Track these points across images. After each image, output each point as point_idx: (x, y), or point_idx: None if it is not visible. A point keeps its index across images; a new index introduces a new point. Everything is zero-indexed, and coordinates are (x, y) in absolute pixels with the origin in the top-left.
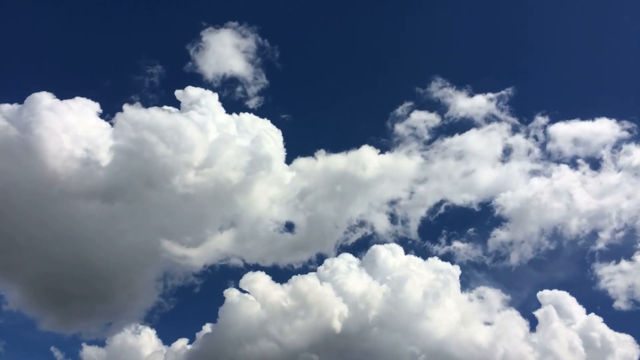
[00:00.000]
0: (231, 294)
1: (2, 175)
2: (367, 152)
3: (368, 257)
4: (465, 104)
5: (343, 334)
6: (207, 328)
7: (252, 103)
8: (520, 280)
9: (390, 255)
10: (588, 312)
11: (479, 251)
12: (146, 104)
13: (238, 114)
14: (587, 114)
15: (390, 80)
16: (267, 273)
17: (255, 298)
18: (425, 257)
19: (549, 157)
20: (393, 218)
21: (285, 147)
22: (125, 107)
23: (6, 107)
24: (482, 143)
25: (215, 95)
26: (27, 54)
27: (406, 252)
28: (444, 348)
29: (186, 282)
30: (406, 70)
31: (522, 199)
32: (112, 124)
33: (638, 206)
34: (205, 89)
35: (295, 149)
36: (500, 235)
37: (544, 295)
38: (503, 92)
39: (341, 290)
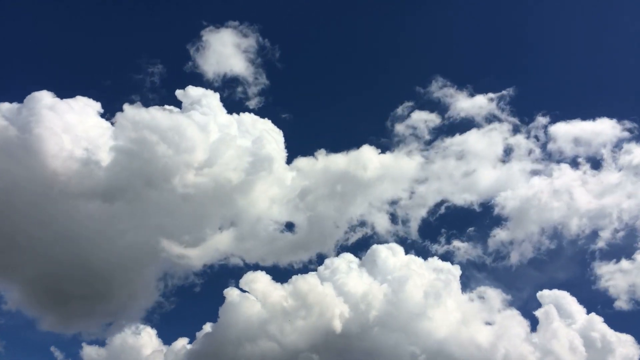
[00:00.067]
0: (231, 293)
1: (1, 175)
2: (367, 152)
3: (368, 257)
4: (466, 104)
5: (343, 333)
6: (208, 328)
7: (253, 103)
8: (520, 280)
9: (390, 255)
10: (589, 312)
11: (479, 250)
12: (146, 104)
13: (238, 114)
14: (588, 114)
15: (391, 80)
16: (267, 273)
17: (256, 298)
18: (425, 257)
19: (550, 157)
20: (393, 218)
21: (285, 146)
22: (126, 106)
23: (5, 106)
24: (482, 143)
25: (217, 95)
26: (28, 53)
27: (406, 252)
28: (444, 348)
29: (186, 282)
30: (407, 70)
31: (522, 198)
32: (112, 124)
33: (638, 205)
34: (206, 88)
35: (295, 148)
36: (500, 234)
37: (544, 295)
38: (504, 92)
39: (342, 290)
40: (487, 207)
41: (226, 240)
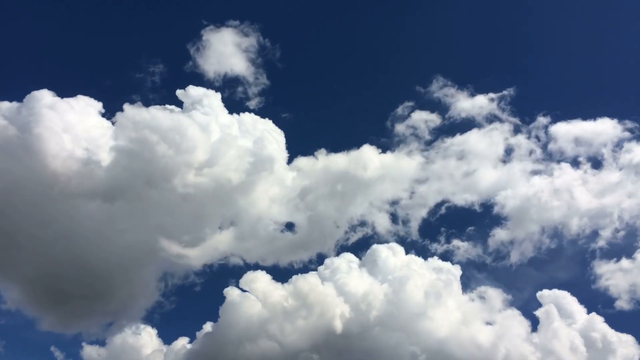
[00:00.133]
0: (231, 293)
1: (1, 175)
2: (367, 152)
3: (368, 257)
4: (467, 104)
5: (344, 333)
6: (208, 327)
7: (253, 103)
8: (521, 280)
9: (391, 255)
10: (589, 312)
11: (479, 250)
12: (147, 103)
13: (239, 113)
14: (589, 114)
15: (391, 80)
16: (267, 272)
17: (256, 297)
18: (426, 257)
19: (551, 157)
20: (394, 218)
21: (286, 147)
22: (126, 106)
23: (5, 105)
24: (483, 143)
25: (218, 95)
26: (28, 53)
27: (407, 252)
28: (445, 348)
29: (186, 282)
30: (407, 69)
31: (522, 197)
32: (113, 123)
33: (639, 205)
34: (207, 88)
35: (295, 148)
36: (500, 234)
37: (545, 295)
38: (505, 92)
39: (342, 290)
40: (487, 206)
41: (226, 240)
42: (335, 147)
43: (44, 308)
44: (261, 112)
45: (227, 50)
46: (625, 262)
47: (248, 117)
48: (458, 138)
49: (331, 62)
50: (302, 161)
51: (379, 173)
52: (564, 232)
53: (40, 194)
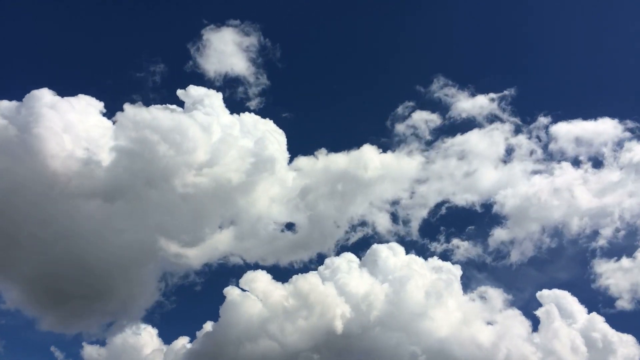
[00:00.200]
0: (231, 292)
1: (1, 175)
2: (368, 152)
3: (369, 257)
4: (467, 103)
5: (344, 333)
6: (208, 327)
7: (254, 104)
8: (521, 280)
9: (391, 255)
10: (590, 312)
11: (479, 249)
12: (147, 103)
13: (239, 114)
14: (589, 114)
15: (391, 79)
16: (267, 272)
17: (256, 297)
18: (426, 257)
19: (552, 157)
20: (394, 218)
21: (286, 147)
22: (127, 106)
23: (4, 104)
24: (484, 143)
25: (220, 95)
26: (28, 52)
27: (407, 252)
28: (445, 348)
29: (187, 281)
30: (407, 69)
31: (522, 196)
32: (113, 123)
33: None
34: (207, 88)
35: (296, 148)
36: (500, 233)
37: (545, 294)
38: (505, 92)
39: (343, 290)
40: (487, 206)
41: (226, 239)
42: (335, 147)
43: (44, 308)
44: (261, 112)
45: (227, 49)
46: (625, 262)
47: (249, 118)
48: (458, 138)
49: (331, 62)
50: (302, 161)
51: (379, 173)
52: (565, 231)
53: (40, 194)
